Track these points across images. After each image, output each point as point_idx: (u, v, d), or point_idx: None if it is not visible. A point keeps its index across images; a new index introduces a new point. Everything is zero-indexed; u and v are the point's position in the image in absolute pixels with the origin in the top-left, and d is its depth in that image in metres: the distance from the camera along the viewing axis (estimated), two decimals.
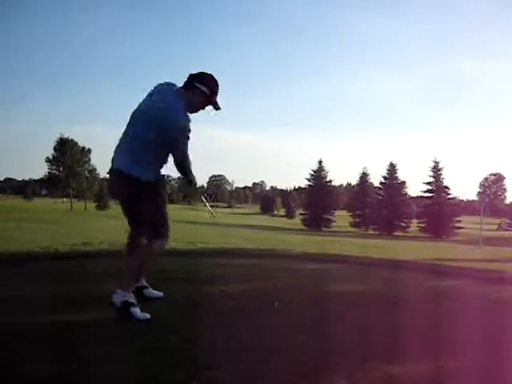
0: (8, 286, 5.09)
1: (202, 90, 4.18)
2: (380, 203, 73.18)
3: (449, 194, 70.09)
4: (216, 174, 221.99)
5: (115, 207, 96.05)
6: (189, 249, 9.09)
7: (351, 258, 9.03)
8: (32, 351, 3.18)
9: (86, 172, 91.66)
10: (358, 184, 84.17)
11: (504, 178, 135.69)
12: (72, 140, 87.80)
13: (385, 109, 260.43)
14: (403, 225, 71.66)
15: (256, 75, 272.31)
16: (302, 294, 5.38)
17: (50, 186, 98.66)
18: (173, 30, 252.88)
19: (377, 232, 68.53)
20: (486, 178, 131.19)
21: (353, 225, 76.23)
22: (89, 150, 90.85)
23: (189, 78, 4.20)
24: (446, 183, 70.42)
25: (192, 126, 4.11)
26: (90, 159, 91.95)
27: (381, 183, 75.82)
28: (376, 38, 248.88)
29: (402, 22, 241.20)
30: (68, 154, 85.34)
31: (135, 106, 4.19)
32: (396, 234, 65.67)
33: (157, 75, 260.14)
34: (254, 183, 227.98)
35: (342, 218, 78.73)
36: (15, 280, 5.42)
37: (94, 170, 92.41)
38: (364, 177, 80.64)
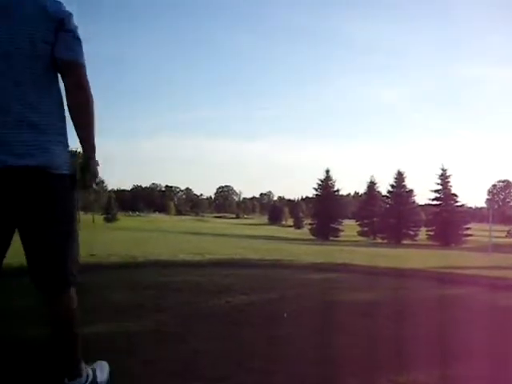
0: (16, 298, 5.09)
1: None
2: (388, 212, 73.06)
3: (457, 202, 69.85)
4: (223, 184, 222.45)
5: (124, 219, 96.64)
6: (196, 260, 9.09)
7: (359, 268, 9.00)
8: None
9: (94, 185, 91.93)
10: (365, 193, 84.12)
11: None
12: (79, 152, 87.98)
13: (390, 116, 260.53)
14: (411, 233, 71.44)
15: (259, 83, 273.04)
16: (309, 303, 5.35)
17: None
18: (175, 33, 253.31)
19: (385, 241, 68.30)
20: (495, 185, 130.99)
21: (361, 234, 76.08)
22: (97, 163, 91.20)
23: None
24: (454, 190, 70.31)
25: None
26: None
27: (388, 192, 75.73)
28: (379, 44, 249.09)
29: (404, 27, 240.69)
30: (78, 172, 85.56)
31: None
32: (404, 242, 65.37)
33: (157, 78, 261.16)
34: (261, 194, 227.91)
35: (349, 228, 78.52)
36: (22, 292, 5.41)
37: (102, 182, 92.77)
38: (371, 185, 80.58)
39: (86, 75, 2.31)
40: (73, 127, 2.35)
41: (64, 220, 2.29)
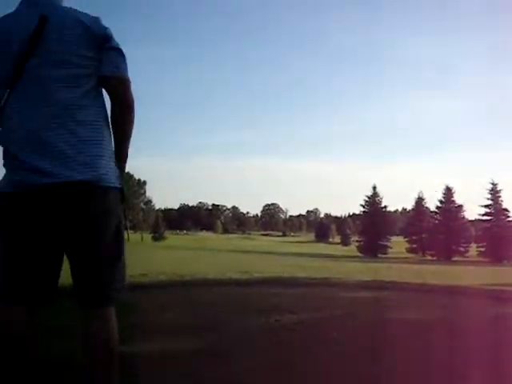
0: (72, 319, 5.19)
1: None
2: (437, 228, 71.89)
3: (508, 217, 68.31)
4: (269, 202, 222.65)
5: (172, 238, 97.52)
6: (244, 278, 9.11)
7: (408, 285, 8.88)
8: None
9: (142, 204, 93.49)
10: (413, 209, 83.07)
11: None
12: (128, 173, 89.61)
13: (438, 130, 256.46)
14: (462, 249, 70.10)
15: (303, 102, 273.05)
16: (359, 323, 5.30)
17: None
18: (207, 55, 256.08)
19: (434, 258, 67.13)
20: None
21: (409, 251, 75.02)
22: (144, 182, 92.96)
23: None
24: (505, 205, 68.81)
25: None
26: (145, 191, 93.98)
27: (437, 207, 74.66)
28: (426, 60, 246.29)
29: (452, 42, 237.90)
30: (124, 186, 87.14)
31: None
32: (454, 259, 64.14)
33: (205, 96, 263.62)
34: (307, 211, 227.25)
35: (398, 244, 77.46)
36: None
37: (150, 201, 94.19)
38: (419, 201, 79.57)
39: (130, 91, 2.34)
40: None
41: (113, 233, 2.29)
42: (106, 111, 2.34)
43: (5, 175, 2.21)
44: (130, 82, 2.34)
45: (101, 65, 2.25)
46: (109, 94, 2.33)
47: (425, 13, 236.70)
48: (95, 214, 2.20)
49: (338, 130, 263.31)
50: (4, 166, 2.21)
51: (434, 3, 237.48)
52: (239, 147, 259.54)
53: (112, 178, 2.26)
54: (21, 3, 2.30)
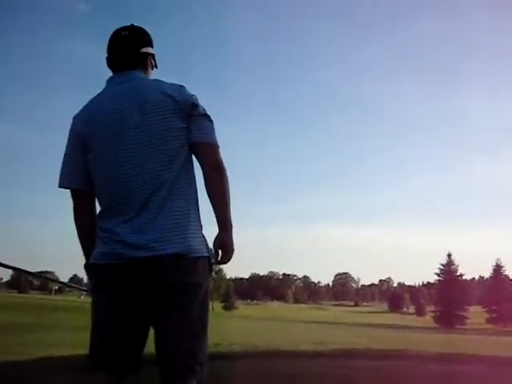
0: None
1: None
2: None
3: None
4: (341, 271, 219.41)
5: (243, 307, 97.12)
6: (318, 350, 8.99)
7: (489, 359, 8.51)
8: None
9: (213, 273, 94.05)
10: (491, 276, 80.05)
11: None
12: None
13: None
14: None
15: (371, 170, 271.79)
16: None
17: None
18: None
19: None
20: None
21: (489, 321, 71.82)
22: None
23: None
24: None
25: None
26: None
27: None
28: (500, 122, 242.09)
29: None
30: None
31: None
32: None
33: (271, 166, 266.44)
34: (380, 280, 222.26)
35: (476, 314, 74.37)
36: None
37: (221, 270, 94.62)
38: (498, 269, 76.67)
39: (220, 155, 2.38)
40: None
41: (200, 304, 2.29)
42: (195, 181, 2.40)
43: (97, 247, 2.32)
44: (219, 147, 2.40)
45: (190, 132, 2.34)
46: (199, 159, 2.38)
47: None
48: (183, 287, 2.24)
49: (410, 196, 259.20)
50: (99, 238, 2.32)
51: None
52: (307, 216, 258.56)
53: (200, 248, 2.30)
54: (109, 80, 2.43)
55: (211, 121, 2.40)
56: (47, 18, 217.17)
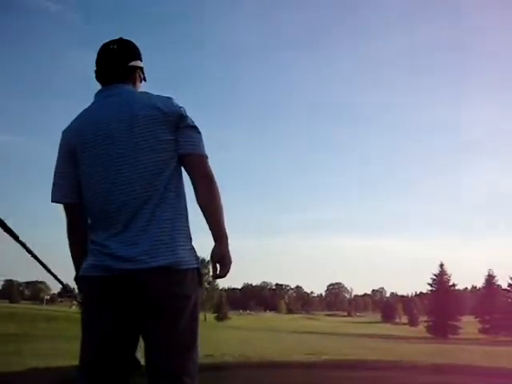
0: None
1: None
2: (510, 307, 68.83)
3: None
4: (334, 282, 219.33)
5: (236, 318, 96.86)
6: (311, 361, 8.95)
7: (483, 369, 8.50)
8: None
9: (206, 283, 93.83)
10: (483, 287, 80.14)
11: None
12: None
13: (507, 206, 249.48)
14: None
15: (363, 181, 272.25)
16: None
17: None
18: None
19: (509, 338, 63.94)
20: None
21: (482, 331, 71.79)
22: (208, 262, 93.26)
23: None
24: None
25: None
26: (209, 271, 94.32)
27: (509, 285, 71.76)
28: (499, 134, 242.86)
29: None
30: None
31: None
32: None
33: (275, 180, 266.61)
34: (373, 290, 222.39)
35: (469, 324, 74.35)
36: None
37: (213, 280, 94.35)
38: (490, 279, 76.75)
39: (209, 166, 2.36)
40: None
41: (190, 316, 2.27)
42: (184, 193, 2.38)
43: (87, 259, 2.30)
44: (207, 158, 2.38)
45: (178, 144, 2.33)
46: (188, 170, 2.37)
47: None
48: (173, 299, 2.22)
49: (403, 207, 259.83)
50: (90, 250, 2.31)
51: None
52: (300, 227, 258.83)
53: (190, 260, 2.29)
54: (97, 94, 2.42)
55: (199, 132, 2.39)
56: (39, 27, 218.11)
